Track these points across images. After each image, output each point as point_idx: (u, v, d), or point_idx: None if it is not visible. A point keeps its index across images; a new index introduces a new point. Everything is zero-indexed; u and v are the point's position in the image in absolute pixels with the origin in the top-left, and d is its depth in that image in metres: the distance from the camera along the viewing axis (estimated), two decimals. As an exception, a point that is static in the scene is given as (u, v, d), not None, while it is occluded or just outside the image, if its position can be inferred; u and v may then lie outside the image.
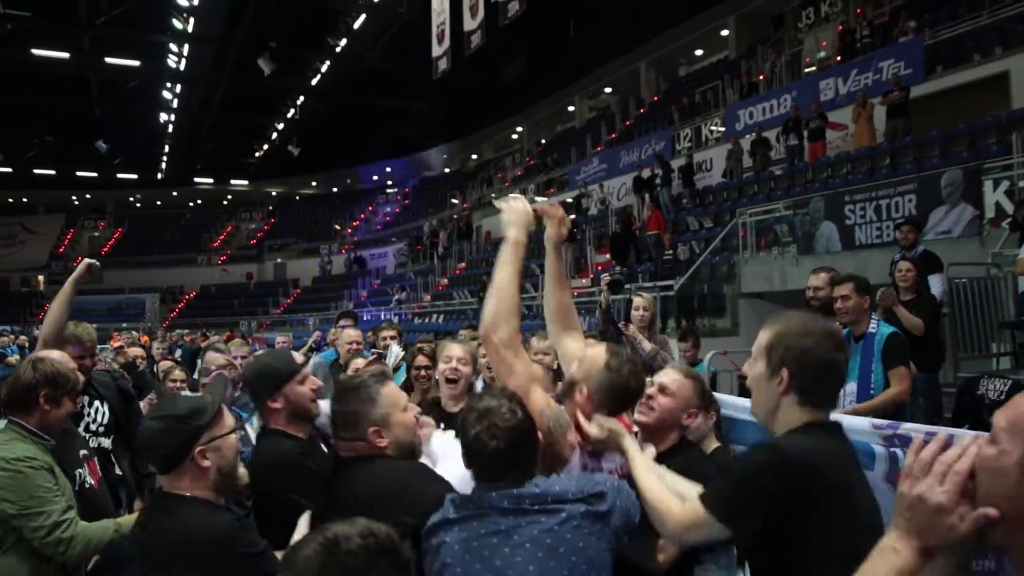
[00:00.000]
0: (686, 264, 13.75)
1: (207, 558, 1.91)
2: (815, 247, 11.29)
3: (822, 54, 19.02)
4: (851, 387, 4.29)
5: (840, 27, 18.35)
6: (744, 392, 3.27)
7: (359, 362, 4.67)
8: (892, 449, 2.26)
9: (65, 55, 28.83)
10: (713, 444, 2.89)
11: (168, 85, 32.59)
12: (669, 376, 2.59)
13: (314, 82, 32.77)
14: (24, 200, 48.40)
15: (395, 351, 4.91)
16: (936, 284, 6.59)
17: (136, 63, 30.17)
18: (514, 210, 2.39)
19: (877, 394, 4.18)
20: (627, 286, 9.99)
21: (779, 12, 22.06)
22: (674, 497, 1.94)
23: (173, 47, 28.43)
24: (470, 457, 1.98)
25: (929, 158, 12.41)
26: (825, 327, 1.96)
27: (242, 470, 2.16)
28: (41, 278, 45.88)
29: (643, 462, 2.08)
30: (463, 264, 26.12)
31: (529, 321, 16.88)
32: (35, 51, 28.21)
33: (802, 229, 11.72)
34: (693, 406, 2.56)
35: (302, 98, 35.48)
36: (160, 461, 2.02)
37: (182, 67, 29.95)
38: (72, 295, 3.83)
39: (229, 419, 2.12)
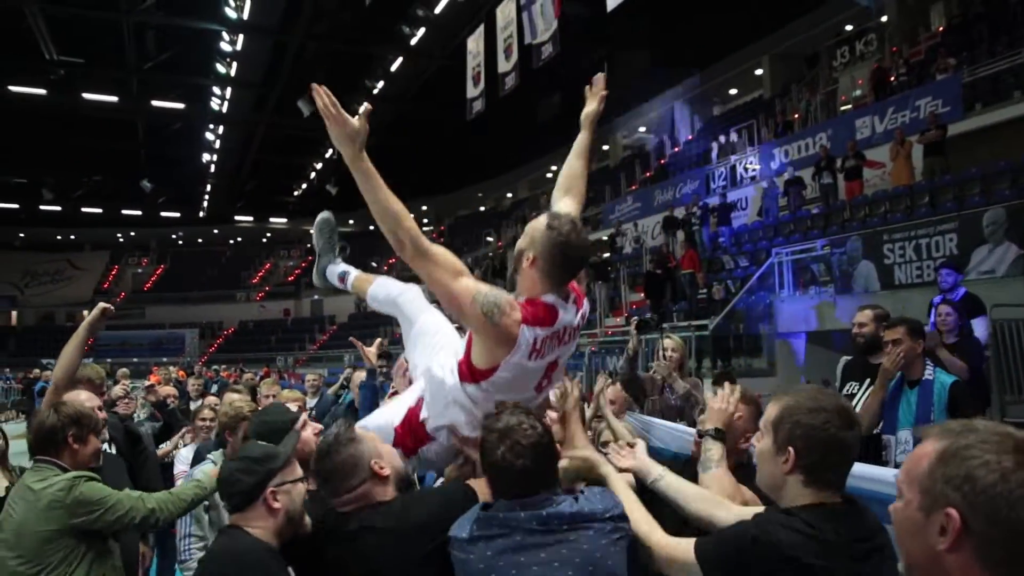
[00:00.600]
0: (721, 303, 13.63)
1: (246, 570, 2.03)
2: (853, 287, 11.14)
3: (857, 92, 18.95)
4: (905, 435, 4.14)
5: (875, 65, 18.27)
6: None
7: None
8: None
9: (114, 99, 29.83)
10: None
11: (211, 127, 33.44)
12: None
13: (353, 124, 33.37)
14: (72, 237, 49.89)
15: None
16: (980, 327, 6.43)
17: (181, 106, 31.06)
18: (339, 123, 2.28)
19: None
20: (663, 325, 9.86)
21: (813, 51, 22.10)
22: (658, 530, 1.98)
23: (216, 90, 29.22)
24: (497, 478, 1.98)
25: (969, 196, 12.22)
26: (837, 403, 1.87)
27: (308, 519, 2.23)
28: (86, 313, 46.66)
29: (623, 488, 2.13)
30: (497, 301, 26.12)
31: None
32: (86, 95, 29.23)
33: (840, 268, 11.58)
34: (748, 431, 2.49)
35: (367, 107, 36.02)
36: (235, 498, 2.14)
37: (224, 109, 30.73)
38: (85, 339, 3.81)
39: (298, 469, 2.23)
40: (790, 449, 1.81)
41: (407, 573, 2.01)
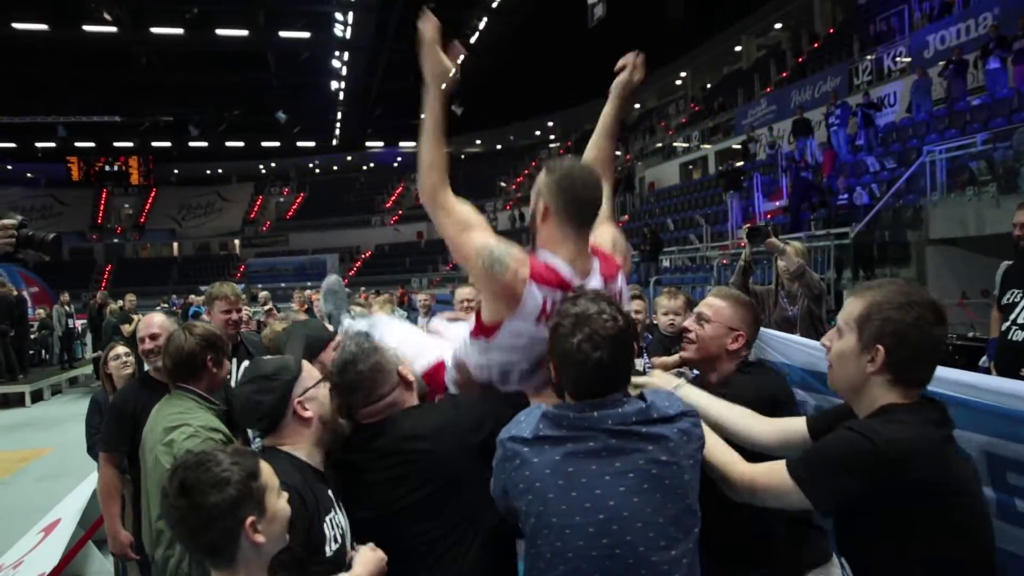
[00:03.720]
0: (864, 210, 12.58)
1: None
2: (1020, 184, 9.93)
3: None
4: None
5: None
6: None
7: None
8: None
9: (244, 32, 30.80)
10: None
11: (337, 54, 34.01)
12: (705, 303, 2.48)
13: (472, 40, 32.99)
14: (219, 171, 52.96)
15: None
16: None
17: (307, 35, 31.75)
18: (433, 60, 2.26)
19: None
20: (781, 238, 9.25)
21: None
22: (738, 459, 1.86)
23: (339, 16, 29.55)
24: (566, 370, 1.77)
25: None
26: (927, 298, 1.71)
27: (343, 420, 2.11)
28: (237, 242, 50.10)
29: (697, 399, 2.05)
30: (626, 216, 25.59)
31: (692, 274, 16.29)
32: (219, 31, 30.30)
33: (1004, 165, 10.34)
34: (736, 328, 2.38)
35: (462, 57, 35.86)
36: (262, 422, 1.98)
37: (348, 35, 31.12)
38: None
39: (314, 371, 2.09)
40: (879, 347, 1.68)
41: (465, 468, 1.94)
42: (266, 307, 8.28)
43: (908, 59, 17.82)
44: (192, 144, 44.29)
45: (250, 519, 1.51)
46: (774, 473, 1.75)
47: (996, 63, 13.72)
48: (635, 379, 2.07)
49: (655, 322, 4.55)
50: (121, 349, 4.49)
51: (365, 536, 1.91)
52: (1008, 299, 4.15)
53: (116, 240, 49.35)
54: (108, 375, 4.44)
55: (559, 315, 1.82)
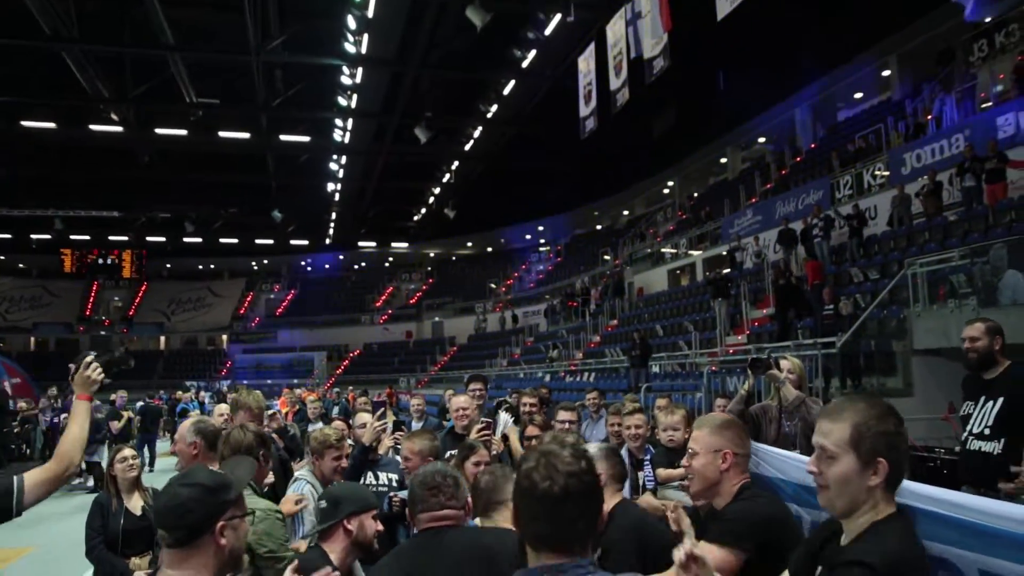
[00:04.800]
0: (849, 319, 12.83)
1: None
2: (999, 298, 10.22)
3: (999, 87, 17.58)
4: None
5: (1019, 57, 16.90)
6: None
7: (364, 416, 4.91)
8: None
9: (246, 135, 31.74)
10: None
11: (334, 157, 34.96)
12: (692, 438, 2.59)
13: (467, 147, 34.04)
14: (212, 266, 53.36)
15: (503, 419, 4.89)
16: None
17: (307, 139, 32.74)
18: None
19: None
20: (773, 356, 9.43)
21: (946, 46, 20.70)
22: None
23: (339, 122, 30.52)
24: (518, 502, 1.63)
25: None
26: (888, 404, 1.88)
27: (245, 556, 2.19)
28: (224, 337, 49.99)
29: None
30: (615, 321, 25.84)
31: (681, 380, 16.37)
32: (221, 133, 31.22)
33: (982, 279, 10.67)
34: (721, 448, 2.50)
35: (456, 163, 36.90)
36: (181, 531, 1.87)
37: (347, 140, 32.06)
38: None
39: (245, 503, 2.06)
40: (881, 461, 1.78)
41: None
42: (269, 412, 8.20)
43: (886, 174, 18.55)
44: (186, 239, 44.85)
45: None
46: None
47: (971, 181, 14.34)
48: (646, 499, 2.20)
49: (657, 436, 4.68)
50: (128, 452, 4.58)
51: None
52: (964, 411, 4.34)
53: (103, 333, 49.19)
54: (113, 477, 4.49)
55: (525, 455, 1.75)
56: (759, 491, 2.61)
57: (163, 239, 46.54)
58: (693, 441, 2.57)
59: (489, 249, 50.23)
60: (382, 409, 5.96)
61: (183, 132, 30.65)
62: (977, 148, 14.70)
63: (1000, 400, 4.07)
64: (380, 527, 2.70)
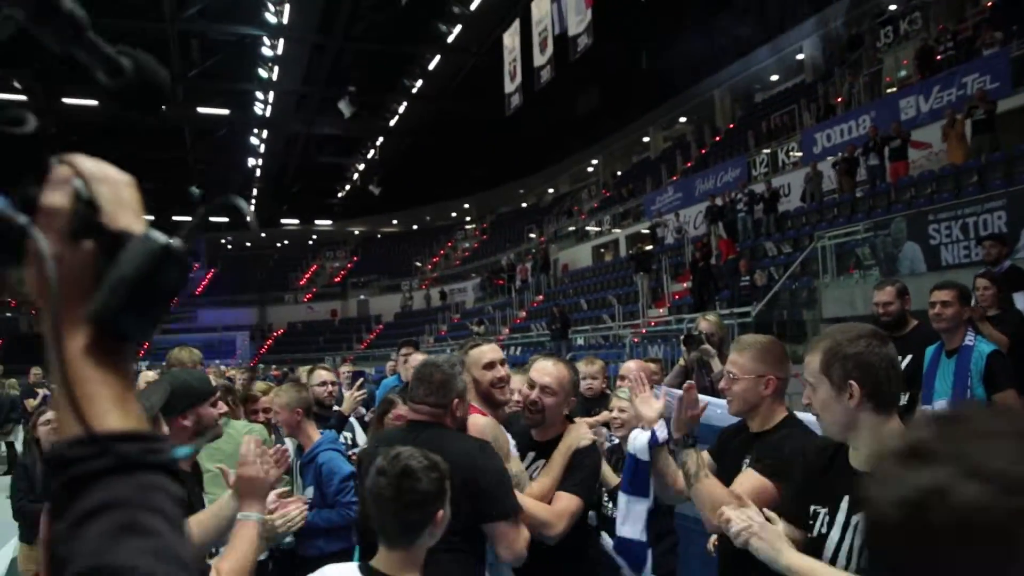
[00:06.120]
0: (763, 290, 13.45)
1: None
2: (899, 269, 10.89)
3: (902, 73, 18.50)
4: (942, 405, 4.09)
5: (921, 44, 17.81)
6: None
7: (323, 374, 5.22)
8: None
9: (161, 107, 30.61)
10: None
11: (255, 131, 34.12)
12: (730, 361, 2.59)
13: (392, 123, 33.74)
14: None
15: None
16: (1021, 301, 6.24)
17: (225, 112, 31.81)
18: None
19: None
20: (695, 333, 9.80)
21: (856, 32, 21.63)
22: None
23: (259, 95, 29.82)
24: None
25: (1020, 172, 11.84)
26: (866, 327, 1.97)
27: None
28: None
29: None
30: (540, 297, 26.20)
31: (605, 351, 16.81)
32: (135, 105, 30.07)
33: (884, 251, 11.34)
34: (764, 374, 2.49)
35: (381, 139, 36.52)
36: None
37: (267, 113, 31.34)
38: None
39: (165, 428, 2.11)
40: (851, 383, 1.86)
41: None
42: None
43: (800, 153, 19.33)
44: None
45: None
46: None
47: (875, 160, 15.12)
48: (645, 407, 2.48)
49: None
50: (50, 414, 4.53)
51: None
52: None
53: (9, 314, 46.95)
54: (36, 440, 4.46)
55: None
56: (799, 421, 2.59)
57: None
58: (731, 364, 2.55)
59: (415, 227, 49.89)
60: (361, 379, 6.12)
61: (93, 102, 29.39)
62: (881, 129, 15.49)
63: (909, 357, 4.36)
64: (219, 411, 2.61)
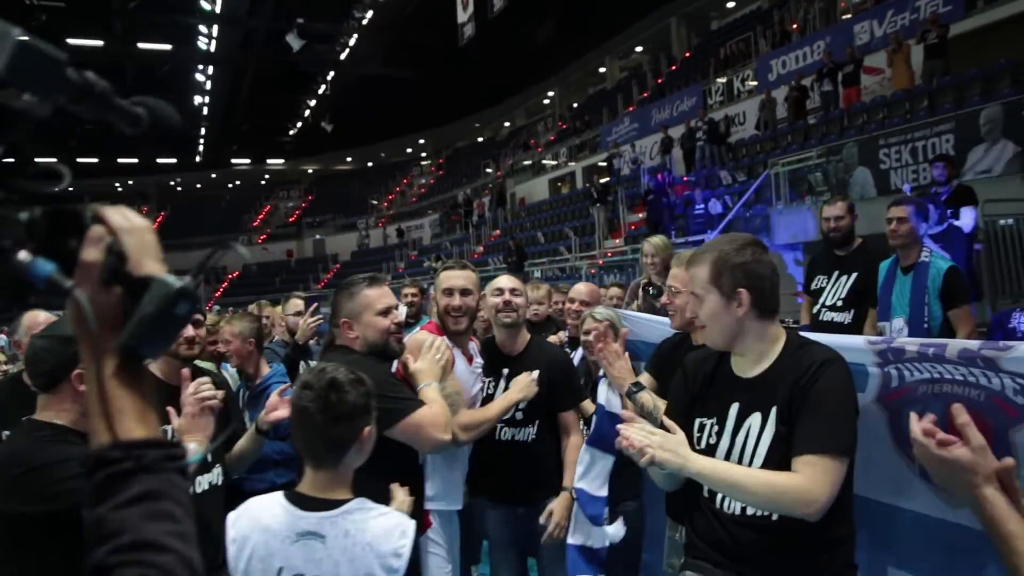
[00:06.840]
0: (718, 219, 13.52)
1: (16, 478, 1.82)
2: (850, 194, 10.98)
3: (857, -2, 18.41)
4: (899, 323, 4.11)
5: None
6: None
7: (298, 303, 5.38)
8: (886, 368, 2.15)
9: (99, 43, 29.26)
10: None
11: (200, 67, 32.87)
12: (671, 275, 2.92)
13: (343, 56, 32.74)
14: (70, 189, 49.56)
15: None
16: (967, 216, 6.33)
17: (168, 47, 30.50)
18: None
19: (934, 332, 3.93)
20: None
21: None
22: (778, 474, 1.80)
23: (203, 29, 28.61)
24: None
25: (969, 97, 11.91)
26: (748, 236, 2.03)
27: None
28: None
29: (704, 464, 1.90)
30: (498, 232, 26.09)
31: (562, 283, 16.86)
32: (70, 40, 28.63)
33: (836, 176, 11.43)
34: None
35: (332, 74, 35.48)
36: (39, 378, 2.01)
37: (212, 48, 30.16)
38: None
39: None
40: (740, 291, 1.90)
41: None
42: None
43: (755, 82, 19.25)
44: (38, 159, 41.42)
45: None
46: (822, 469, 1.76)
47: (829, 86, 15.12)
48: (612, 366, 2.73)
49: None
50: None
51: None
52: (816, 285, 4.65)
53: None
54: None
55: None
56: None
57: (10, 160, 42.81)
58: (672, 279, 2.87)
59: (369, 164, 49.08)
60: (315, 304, 6.04)
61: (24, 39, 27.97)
62: (836, 55, 15.46)
63: (855, 275, 4.41)
64: None
